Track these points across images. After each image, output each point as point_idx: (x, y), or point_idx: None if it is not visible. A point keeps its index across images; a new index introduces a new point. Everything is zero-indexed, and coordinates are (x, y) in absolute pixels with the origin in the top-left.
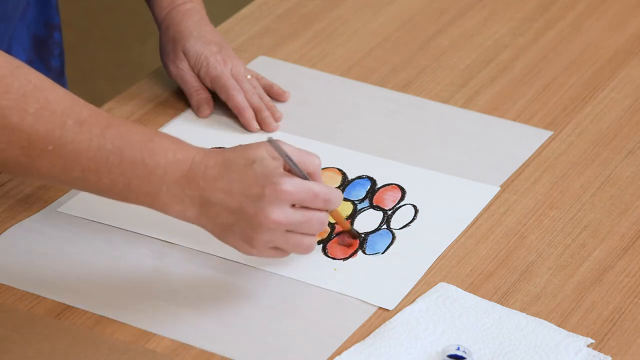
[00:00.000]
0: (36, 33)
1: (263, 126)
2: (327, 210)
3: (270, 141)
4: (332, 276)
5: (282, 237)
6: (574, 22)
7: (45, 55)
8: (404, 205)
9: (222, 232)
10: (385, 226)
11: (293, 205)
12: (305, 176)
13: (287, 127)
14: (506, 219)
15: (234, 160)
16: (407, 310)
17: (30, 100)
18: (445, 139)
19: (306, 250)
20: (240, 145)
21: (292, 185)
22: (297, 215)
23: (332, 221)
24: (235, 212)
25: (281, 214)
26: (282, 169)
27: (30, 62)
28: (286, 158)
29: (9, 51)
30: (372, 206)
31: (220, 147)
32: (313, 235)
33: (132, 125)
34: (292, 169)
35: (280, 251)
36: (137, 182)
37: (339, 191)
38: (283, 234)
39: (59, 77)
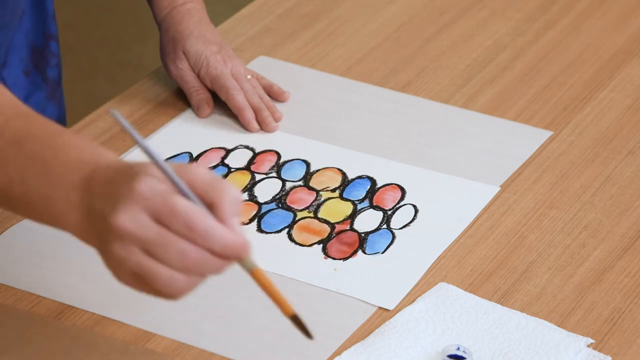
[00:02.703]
0: (34, 43)
1: (263, 126)
2: (205, 247)
3: (110, 111)
4: (332, 276)
5: (136, 257)
6: (574, 22)
7: (42, 65)
8: (404, 205)
9: (98, 247)
10: (385, 226)
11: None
12: (187, 193)
13: (287, 127)
14: (506, 219)
15: (129, 166)
16: (407, 310)
17: None
18: (445, 139)
19: (164, 287)
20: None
21: (148, 188)
22: (150, 231)
23: (333, 221)
24: (98, 217)
25: (129, 219)
26: (156, 177)
27: (28, 73)
28: (125, 126)
29: (5, 61)
30: (372, 206)
31: (221, 147)
32: (175, 268)
33: (44, 119)
34: (167, 177)
35: (139, 280)
36: (32, 180)
37: (241, 236)
38: (136, 253)
39: (56, 87)
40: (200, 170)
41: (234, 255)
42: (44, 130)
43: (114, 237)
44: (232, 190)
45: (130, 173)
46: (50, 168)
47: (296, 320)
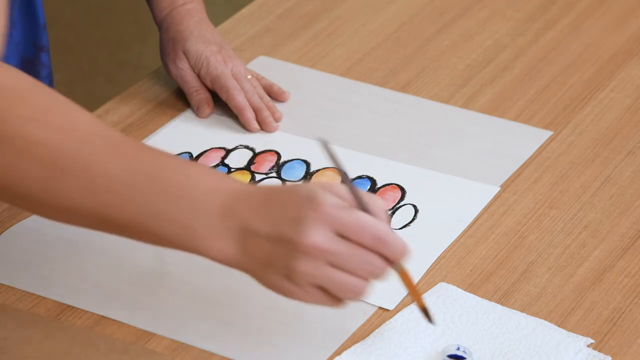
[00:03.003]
0: (24, 54)
1: (263, 126)
2: (381, 254)
3: (321, 140)
4: None
5: (325, 271)
6: (574, 22)
7: (33, 77)
8: (404, 205)
9: (262, 269)
10: None
11: (340, 235)
12: (365, 207)
13: (287, 127)
14: (506, 219)
15: (280, 187)
16: (407, 310)
17: (55, 114)
18: (445, 139)
19: (354, 293)
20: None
21: (336, 206)
22: (340, 245)
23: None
24: (273, 239)
25: (320, 237)
26: (331, 194)
27: None
28: (335, 161)
29: None
30: None
31: (221, 147)
32: (361, 277)
33: (167, 153)
34: (352, 194)
35: (327, 294)
36: (172, 210)
37: (402, 240)
38: (326, 267)
39: None
40: (356, 188)
41: (402, 259)
42: (174, 161)
43: (302, 255)
44: (380, 201)
45: (304, 194)
46: (187, 198)
47: (425, 311)
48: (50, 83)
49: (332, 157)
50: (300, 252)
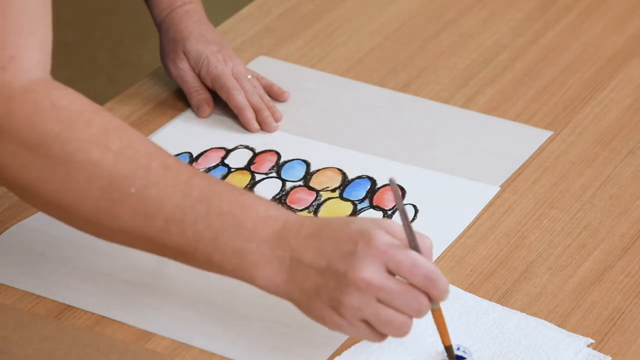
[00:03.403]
0: None
1: (263, 126)
2: (429, 294)
3: (391, 180)
4: None
5: (373, 306)
6: (574, 22)
7: None
8: (404, 205)
9: (309, 300)
10: None
11: (390, 273)
12: (416, 246)
13: (287, 127)
14: (506, 219)
15: (331, 221)
16: None
17: (112, 137)
18: (445, 139)
19: (399, 330)
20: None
21: (389, 246)
22: (390, 283)
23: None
24: (324, 271)
25: (372, 272)
26: (384, 232)
27: None
28: (399, 202)
29: None
30: (372, 206)
31: (221, 147)
32: (407, 314)
33: (221, 180)
34: (406, 233)
35: (371, 329)
36: (225, 236)
37: (446, 281)
38: (374, 302)
39: None
40: (398, 226)
41: (445, 299)
42: (228, 188)
43: (353, 289)
44: (428, 240)
45: (358, 229)
46: (242, 224)
47: (449, 351)
48: None
49: (397, 196)
50: (350, 286)
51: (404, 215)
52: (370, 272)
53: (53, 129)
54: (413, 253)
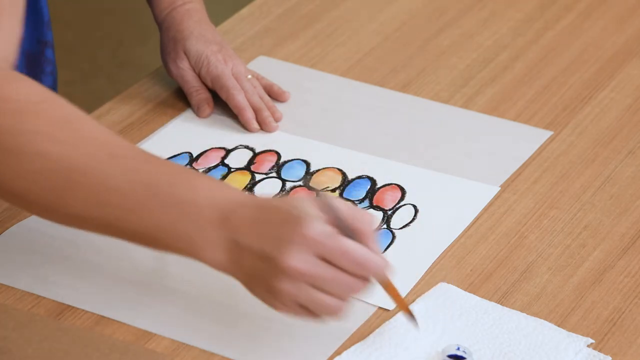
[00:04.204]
0: (29, 50)
1: (263, 126)
2: (363, 277)
3: (320, 195)
4: None
5: (305, 292)
6: (574, 22)
7: (37, 73)
8: (404, 205)
9: (250, 282)
10: (385, 226)
11: (323, 259)
12: (350, 234)
13: (287, 127)
14: (506, 219)
15: (273, 204)
16: None
17: (62, 127)
18: (445, 139)
19: (332, 313)
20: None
21: (320, 233)
22: (320, 269)
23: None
24: (260, 255)
25: (301, 261)
26: (321, 219)
27: None
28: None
29: None
30: (372, 206)
31: (221, 147)
32: (340, 298)
33: (169, 162)
34: (340, 227)
35: (309, 311)
36: (172, 221)
37: (385, 259)
38: (307, 288)
39: None
40: (342, 203)
41: (384, 278)
42: (173, 173)
43: (284, 277)
44: (370, 217)
45: (291, 216)
46: (187, 209)
47: (410, 314)
48: (54, 79)
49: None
50: (282, 273)
51: (322, 196)
52: (300, 260)
53: (5, 122)
54: (343, 240)
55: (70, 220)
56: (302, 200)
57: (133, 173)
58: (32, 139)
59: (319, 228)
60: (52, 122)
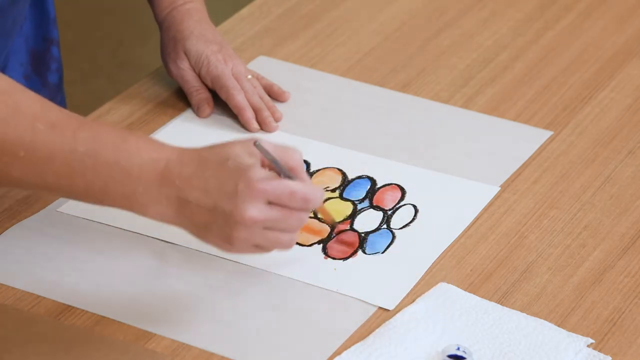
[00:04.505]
0: (34, 47)
1: (263, 126)
2: (307, 209)
3: (256, 144)
4: (332, 276)
5: (260, 234)
6: (574, 22)
7: (43, 70)
8: (404, 205)
9: (200, 232)
10: (385, 226)
11: (270, 203)
12: (289, 175)
13: (287, 127)
14: (506, 219)
15: (209, 158)
16: (407, 310)
17: (0, 103)
18: (445, 139)
19: (285, 246)
20: (215, 144)
21: (266, 182)
22: (273, 213)
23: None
24: (212, 210)
25: (256, 211)
26: (258, 165)
27: (27, 78)
28: (270, 157)
29: (5, 66)
30: (372, 206)
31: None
32: (291, 232)
33: (105, 126)
34: (275, 168)
35: (259, 248)
36: (113, 184)
37: (320, 189)
38: (261, 231)
39: (56, 92)
40: (270, 145)
41: (320, 205)
42: (111, 138)
43: (240, 226)
44: (297, 153)
45: (232, 169)
46: (127, 171)
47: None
48: (60, 76)
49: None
50: (238, 224)
51: (267, 155)
52: (254, 210)
53: None
54: (286, 183)
55: (10, 186)
56: (234, 148)
57: (72, 142)
58: None
59: (261, 175)
60: None
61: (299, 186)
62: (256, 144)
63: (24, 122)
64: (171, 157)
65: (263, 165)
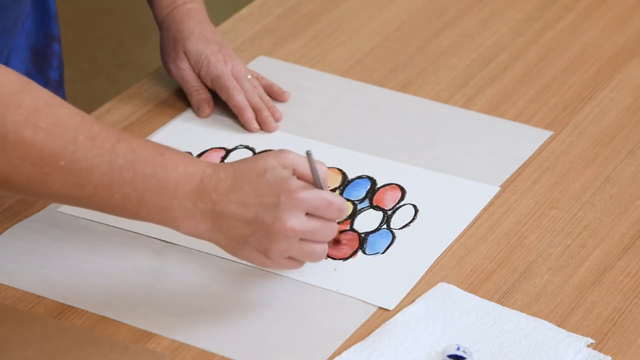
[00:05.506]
0: (35, 44)
1: (263, 126)
2: (337, 219)
3: (308, 154)
4: (332, 276)
5: (297, 245)
6: (574, 22)
7: (44, 67)
8: (404, 205)
9: (236, 245)
10: (385, 226)
11: (307, 214)
12: (321, 186)
13: (287, 127)
14: (506, 219)
15: (245, 172)
16: (407, 310)
17: (41, 115)
18: (445, 139)
19: (319, 257)
20: (247, 158)
21: (307, 193)
22: (311, 223)
23: None
24: (252, 222)
25: (298, 221)
26: (294, 177)
27: (29, 74)
28: (313, 168)
29: (7, 63)
30: (372, 206)
31: (221, 147)
32: (324, 243)
33: (143, 140)
34: (310, 179)
35: (294, 261)
36: (150, 197)
37: (347, 201)
38: (298, 242)
39: (57, 89)
40: (297, 156)
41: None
42: (149, 151)
43: (280, 237)
44: (323, 166)
45: (273, 180)
46: (163, 184)
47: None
48: (61, 73)
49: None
50: (278, 234)
51: (312, 166)
52: (295, 221)
53: None
54: (321, 193)
55: (47, 199)
56: (269, 161)
57: (111, 154)
58: (16, 129)
59: (299, 185)
60: (32, 110)
61: (334, 197)
62: (308, 153)
63: (66, 133)
64: (207, 172)
65: (294, 174)
